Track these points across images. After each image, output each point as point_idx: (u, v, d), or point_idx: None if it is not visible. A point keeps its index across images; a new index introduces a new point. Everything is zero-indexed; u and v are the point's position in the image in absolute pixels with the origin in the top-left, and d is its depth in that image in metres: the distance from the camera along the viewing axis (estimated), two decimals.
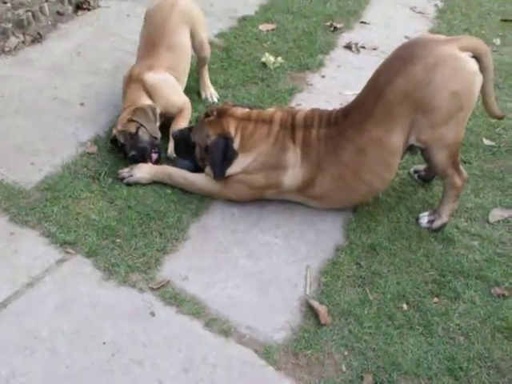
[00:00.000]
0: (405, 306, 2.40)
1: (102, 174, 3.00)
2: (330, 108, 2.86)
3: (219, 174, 2.77)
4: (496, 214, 2.91)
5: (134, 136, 3.00)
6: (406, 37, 4.65)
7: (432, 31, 4.81)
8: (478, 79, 2.50)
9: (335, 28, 4.71)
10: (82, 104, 3.57)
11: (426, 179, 3.06)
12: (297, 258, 2.62)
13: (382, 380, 2.12)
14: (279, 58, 4.11)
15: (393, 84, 2.48)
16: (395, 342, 2.26)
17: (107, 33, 4.41)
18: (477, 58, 2.50)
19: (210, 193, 2.87)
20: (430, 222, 2.75)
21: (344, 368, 2.16)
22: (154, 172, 2.95)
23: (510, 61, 4.40)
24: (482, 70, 2.52)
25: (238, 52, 4.21)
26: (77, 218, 2.73)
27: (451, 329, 2.32)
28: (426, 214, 2.78)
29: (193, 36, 3.45)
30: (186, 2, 3.44)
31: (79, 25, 4.51)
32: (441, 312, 2.38)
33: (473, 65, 2.47)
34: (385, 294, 2.44)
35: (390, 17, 5.05)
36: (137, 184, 2.95)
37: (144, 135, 3.02)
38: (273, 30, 4.59)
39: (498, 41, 4.71)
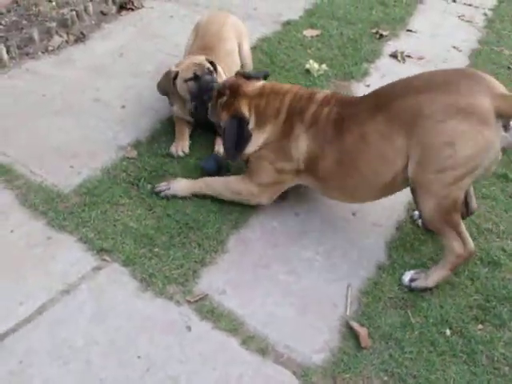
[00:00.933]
0: (448, 332, 2.31)
1: (142, 181, 2.97)
2: None
3: (232, 156, 2.77)
4: None
5: (212, 73, 3.13)
6: (454, 47, 4.56)
7: (480, 41, 4.68)
8: (492, 153, 2.22)
9: (381, 35, 4.62)
10: (124, 107, 3.55)
11: (428, 228, 2.70)
12: (338, 276, 2.55)
13: None
14: (323, 66, 4.04)
15: (419, 96, 2.31)
16: (437, 369, 2.18)
17: (150, 34, 4.39)
18: None
19: (245, 190, 2.80)
20: (412, 280, 2.48)
21: None
22: (192, 185, 2.90)
23: None
24: None
25: (282, 58, 4.15)
26: (114, 225, 2.71)
27: (496, 358, 2.23)
28: (412, 271, 2.52)
29: (239, 47, 3.68)
30: (235, 18, 3.82)
31: (122, 25, 4.50)
32: (485, 340, 2.29)
33: (493, 135, 2.19)
34: (427, 317, 2.36)
35: (437, 25, 4.93)
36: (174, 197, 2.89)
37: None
38: (317, 36, 4.52)
39: None
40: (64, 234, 2.67)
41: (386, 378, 2.14)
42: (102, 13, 4.52)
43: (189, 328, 2.28)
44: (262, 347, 2.23)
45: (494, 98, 2.20)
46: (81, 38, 4.21)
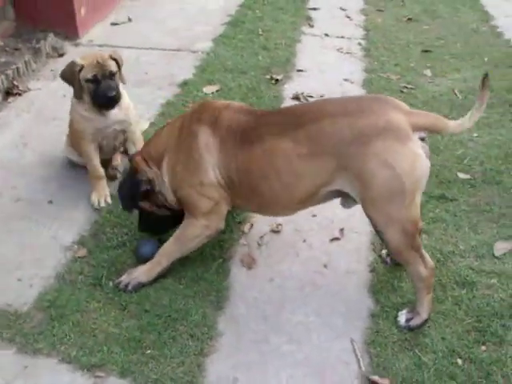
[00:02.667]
0: (459, 361, 2.40)
1: (103, 279, 2.79)
2: None
3: (127, 208, 2.86)
4: (500, 248, 3.01)
5: (113, 76, 3.09)
6: (345, 79, 4.82)
7: (366, 70, 4.98)
8: (423, 163, 2.32)
9: (276, 80, 4.75)
10: (51, 201, 3.33)
11: (398, 263, 2.77)
12: (337, 333, 2.55)
13: None
14: None
15: (335, 120, 2.36)
16: None
17: (48, 117, 4.18)
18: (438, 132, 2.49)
19: (197, 229, 2.71)
20: (408, 320, 2.53)
21: None
22: (151, 265, 2.77)
23: (447, 90, 4.62)
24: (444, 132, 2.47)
25: None
26: (94, 335, 2.51)
27: (510, 375, 2.33)
28: (405, 311, 2.57)
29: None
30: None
31: (15, 112, 4.24)
32: (493, 360, 2.41)
33: (417, 147, 2.31)
34: (436, 352, 2.43)
35: (322, 61, 5.18)
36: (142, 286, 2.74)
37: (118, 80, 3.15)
38: (217, 91, 4.55)
39: (428, 72, 4.94)
40: (41, 358, 2.44)
41: None
42: None
43: None
44: None
45: (406, 115, 2.36)
46: None
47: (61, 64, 4.81)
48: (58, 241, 3.04)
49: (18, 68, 4.60)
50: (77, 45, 5.33)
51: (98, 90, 3.06)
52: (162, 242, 2.82)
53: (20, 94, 4.45)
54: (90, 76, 3.05)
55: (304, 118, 2.46)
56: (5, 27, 5.22)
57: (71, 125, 3.34)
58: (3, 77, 4.44)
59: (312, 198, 2.54)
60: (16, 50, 4.99)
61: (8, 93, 4.40)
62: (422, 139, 2.37)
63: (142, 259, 2.80)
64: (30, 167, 3.62)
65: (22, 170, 3.60)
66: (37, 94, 4.49)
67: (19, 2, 5.22)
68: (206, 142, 2.57)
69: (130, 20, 5.93)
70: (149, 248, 2.81)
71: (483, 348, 2.46)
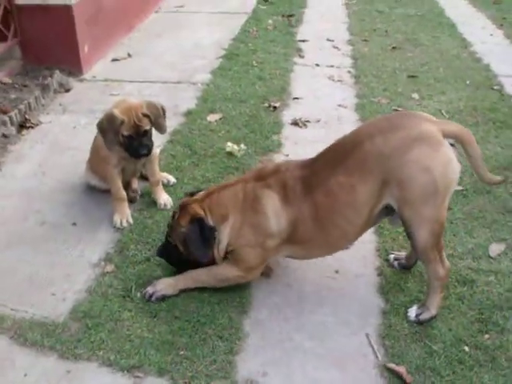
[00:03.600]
0: (466, 348, 2.64)
1: (132, 291, 2.99)
2: None
3: (204, 257, 2.87)
4: (494, 249, 3.28)
5: (147, 133, 3.29)
6: (339, 105, 5.11)
7: (358, 95, 5.31)
8: (455, 166, 2.56)
9: (274, 107, 5.04)
10: (75, 224, 3.54)
11: (406, 267, 3.10)
12: (353, 329, 2.78)
13: None
14: (242, 145, 4.33)
15: (373, 140, 2.59)
16: (475, 381, 2.48)
17: (62, 147, 4.41)
18: (462, 145, 2.67)
19: (234, 276, 2.92)
20: (418, 315, 2.76)
21: None
22: (177, 281, 2.98)
23: (434, 111, 4.94)
24: (468, 158, 2.69)
25: (201, 146, 4.38)
26: (130, 340, 2.71)
27: None
28: (415, 307, 2.80)
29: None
30: None
31: (29, 144, 4.46)
32: (497, 346, 2.65)
33: (449, 150, 2.56)
34: (444, 342, 2.67)
35: (315, 89, 5.48)
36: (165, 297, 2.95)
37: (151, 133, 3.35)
38: (220, 119, 4.82)
39: (416, 95, 5.27)
40: (82, 363, 2.62)
41: None
42: (4, 135, 4.45)
43: None
44: None
45: (435, 124, 2.63)
46: None
47: (68, 98, 5.12)
48: (86, 258, 3.25)
49: (29, 103, 4.85)
50: (81, 80, 5.60)
51: (132, 146, 3.30)
52: None
53: (33, 127, 4.69)
54: (126, 134, 3.26)
55: (347, 148, 2.70)
56: (12, 66, 5.49)
57: (96, 151, 3.57)
58: (16, 111, 4.68)
59: (368, 223, 2.77)
60: (24, 86, 5.26)
61: (21, 126, 4.63)
62: (452, 145, 2.63)
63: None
64: (52, 193, 3.84)
65: (44, 196, 3.81)
66: (48, 126, 4.73)
67: (25, 42, 5.48)
68: (271, 203, 2.78)
69: (129, 56, 6.23)
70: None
71: (487, 336, 2.70)
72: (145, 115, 3.27)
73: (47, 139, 4.54)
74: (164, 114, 3.40)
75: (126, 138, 3.26)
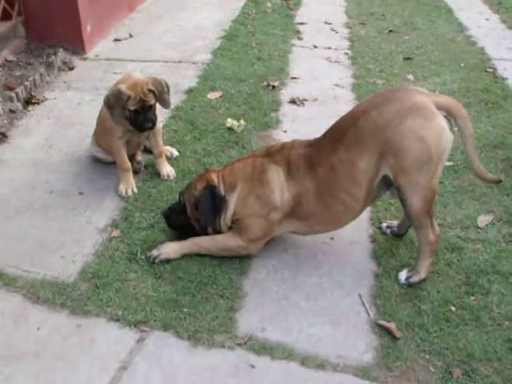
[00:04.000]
0: (453, 308, 2.81)
1: (137, 254, 3.15)
2: None
3: (211, 222, 3.05)
4: (482, 220, 3.44)
5: (151, 108, 3.41)
6: (336, 85, 5.25)
7: (354, 76, 5.44)
8: (448, 136, 2.69)
9: (273, 86, 5.18)
10: (81, 193, 3.69)
11: (398, 234, 3.26)
12: (346, 290, 2.95)
13: (466, 370, 2.49)
14: (242, 121, 4.48)
15: (368, 115, 2.73)
16: (460, 338, 2.65)
17: (67, 122, 4.54)
18: (453, 118, 2.75)
19: (237, 246, 3.07)
20: (408, 278, 2.91)
21: (432, 368, 2.52)
22: (181, 246, 3.13)
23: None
24: (460, 131, 2.78)
25: (202, 121, 4.52)
26: (136, 298, 2.87)
27: (495, 317, 2.76)
28: (405, 271, 2.95)
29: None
30: None
31: (35, 119, 4.60)
32: (482, 306, 2.82)
33: (442, 120, 2.68)
34: (432, 302, 2.84)
35: (313, 69, 5.62)
36: (168, 261, 3.10)
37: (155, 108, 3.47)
38: (221, 96, 4.96)
39: (411, 76, 5.42)
40: (92, 318, 2.78)
41: (427, 356, 2.57)
42: (11, 111, 4.58)
43: (252, 366, 2.53)
44: (319, 363, 2.55)
45: (428, 96, 2.79)
46: (2, 139, 4.24)
47: (72, 76, 5.25)
48: (93, 225, 3.41)
49: (34, 80, 4.98)
50: (84, 59, 5.73)
51: (138, 120, 3.44)
52: None
53: (38, 103, 4.82)
54: (132, 108, 3.39)
55: (345, 125, 2.87)
56: (16, 44, 5.62)
57: (102, 123, 3.71)
58: (22, 88, 4.81)
59: (369, 196, 2.92)
60: (29, 64, 5.39)
61: (27, 102, 4.76)
62: (445, 117, 2.76)
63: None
64: (59, 164, 3.99)
65: (52, 167, 3.96)
66: (54, 102, 4.86)
67: (29, 20, 5.60)
68: (276, 177, 2.96)
69: (131, 36, 6.35)
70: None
71: (472, 298, 2.88)
72: (150, 91, 3.41)
73: (53, 114, 4.67)
74: (168, 90, 3.55)
75: (132, 113, 3.40)
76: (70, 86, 5.15)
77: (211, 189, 3.02)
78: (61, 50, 5.55)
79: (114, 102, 3.35)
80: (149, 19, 6.91)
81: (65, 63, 5.52)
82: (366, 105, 2.87)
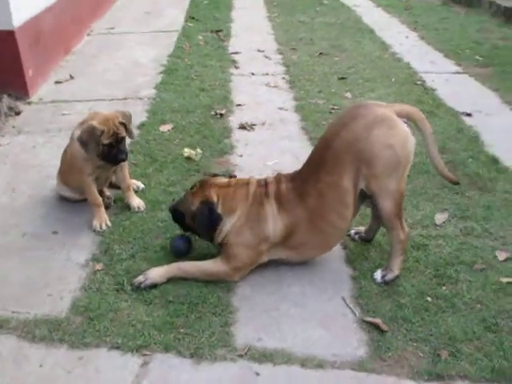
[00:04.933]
0: (429, 299, 3.07)
1: (124, 284, 3.24)
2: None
3: (206, 236, 3.22)
4: (439, 218, 3.76)
5: (123, 140, 3.54)
6: (280, 108, 5.52)
7: (295, 98, 5.75)
8: (411, 140, 2.96)
9: (221, 114, 5.39)
10: (55, 232, 3.73)
11: (366, 239, 3.50)
12: (330, 295, 3.16)
13: (452, 351, 2.74)
14: (198, 150, 4.65)
15: (339, 136, 2.97)
16: (440, 324, 2.90)
17: (26, 166, 4.56)
18: (414, 123, 3.05)
19: (221, 272, 3.20)
20: (383, 276, 3.14)
21: (421, 354, 2.75)
22: (166, 270, 3.23)
23: None
24: (421, 134, 3.07)
25: (159, 153, 4.66)
26: (132, 325, 2.96)
27: (468, 302, 3.04)
28: (379, 271, 3.18)
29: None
30: None
31: None
32: (454, 294, 3.10)
33: (405, 127, 2.95)
34: (410, 295, 3.10)
35: (255, 95, 5.88)
36: (154, 286, 3.21)
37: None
38: (173, 128, 5.12)
39: (349, 94, 5.79)
40: (92, 349, 2.84)
41: (415, 344, 2.80)
42: None
43: (257, 373, 2.68)
44: (317, 363, 2.72)
45: (388, 107, 3.08)
46: None
47: (20, 121, 5.28)
48: (74, 261, 3.46)
49: None
50: (29, 103, 5.75)
51: (111, 153, 3.55)
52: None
53: None
54: (106, 142, 3.50)
55: (320, 153, 3.10)
56: None
57: (67, 163, 3.79)
58: None
59: (353, 213, 3.15)
60: None
61: None
62: (405, 122, 3.04)
63: (176, 253, 3.35)
64: (25, 208, 4.01)
65: (19, 210, 3.97)
66: (7, 148, 4.86)
67: None
68: (271, 211, 3.14)
69: (71, 77, 6.41)
70: (180, 243, 3.38)
71: (444, 288, 3.15)
72: (121, 123, 3.53)
73: (9, 159, 4.67)
74: (130, 121, 3.69)
75: (106, 147, 3.51)
76: (21, 130, 5.16)
77: (209, 205, 3.15)
78: (5, 95, 5.52)
79: (88, 138, 3.45)
80: (85, 60, 6.99)
81: (10, 108, 5.51)
82: (334, 127, 3.12)
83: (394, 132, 2.95)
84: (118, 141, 3.52)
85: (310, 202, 3.10)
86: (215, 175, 3.43)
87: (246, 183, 3.26)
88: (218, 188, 3.23)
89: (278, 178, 3.27)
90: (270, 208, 3.14)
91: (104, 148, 3.50)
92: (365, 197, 3.12)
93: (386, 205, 3.00)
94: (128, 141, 3.78)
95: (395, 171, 2.96)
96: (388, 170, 2.94)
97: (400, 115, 3.03)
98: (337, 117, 3.30)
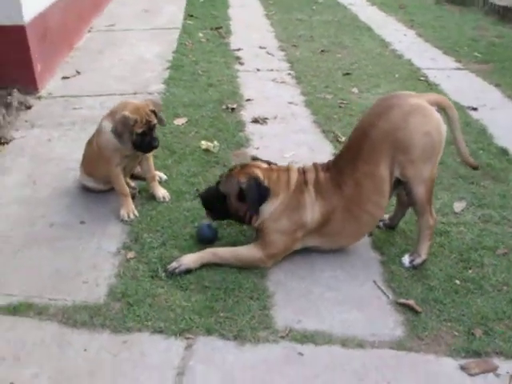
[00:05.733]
0: (457, 282, 3.18)
1: (159, 271, 3.30)
2: None
3: (255, 210, 3.23)
4: (457, 206, 3.88)
5: (155, 127, 3.62)
6: (290, 102, 5.61)
7: (303, 93, 5.85)
8: (444, 127, 3.09)
9: (232, 109, 5.46)
10: (83, 222, 3.77)
11: (391, 226, 3.61)
12: (361, 280, 3.25)
13: (485, 330, 2.86)
14: (215, 142, 4.72)
15: (376, 126, 3.06)
16: (471, 304, 3.02)
17: (43, 158, 4.58)
18: (443, 110, 3.17)
19: (255, 259, 3.27)
20: (411, 261, 3.25)
21: (456, 333, 2.86)
22: (200, 256, 3.30)
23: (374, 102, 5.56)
24: (449, 120, 3.19)
25: (177, 146, 4.72)
26: (172, 310, 3.02)
27: (495, 284, 3.16)
28: (407, 256, 3.29)
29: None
30: None
31: (10, 158, 4.61)
32: (481, 277, 3.21)
33: (438, 114, 3.09)
34: (439, 279, 3.20)
35: (263, 90, 5.96)
36: (188, 271, 3.27)
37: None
38: (187, 122, 5.18)
39: (355, 89, 5.90)
40: (135, 333, 2.90)
41: (449, 324, 2.91)
42: None
43: (300, 353, 2.77)
44: (357, 343, 2.82)
45: (420, 96, 3.20)
46: None
47: (32, 115, 5.30)
48: (105, 250, 3.51)
49: None
50: (39, 98, 5.76)
51: (144, 141, 3.61)
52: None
53: (7, 143, 4.82)
54: (139, 131, 3.56)
55: (357, 143, 3.19)
56: None
57: (92, 155, 3.84)
58: None
59: (388, 201, 3.27)
60: None
61: None
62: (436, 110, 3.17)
63: (204, 241, 3.37)
64: (49, 199, 4.04)
65: (43, 201, 4.01)
66: (23, 141, 4.89)
67: None
68: (309, 199, 3.23)
69: (78, 73, 6.43)
70: (208, 231, 3.41)
71: (470, 271, 3.27)
72: (152, 111, 3.60)
73: (26, 152, 4.70)
74: (161, 108, 3.77)
75: (139, 135, 3.56)
76: (34, 124, 5.18)
77: (256, 180, 3.20)
78: (15, 90, 5.54)
79: (122, 128, 3.50)
80: (90, 56, 7.01)
81: (21, 103, 5.52)
82: (370, 118, 3.21)
83: (429, 119, 3.07)
84: (150, 128, 3.57)
85: (347, 190, 3.19)
86: (255, 159, 3.48)
87: (287, 169, 3.33)
88: (261, 170, 3.29)
89: (315, 166, 3.35)
90: (309, 196, 3.23)
91: (137, 137, 3.56)
92: (397, 184, 3.20)
93: (420, 191, 3.12)
94: None
95: (430, 158, 3.08)
96: (424, 156, 3.06)
97: (432, 103, 3.14)
98: (371, 108, 3.38)
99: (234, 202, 3.30)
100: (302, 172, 3.33)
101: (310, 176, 3.28)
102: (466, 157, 3.39)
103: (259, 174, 3.26)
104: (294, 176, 3.29)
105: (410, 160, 3.07)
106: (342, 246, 3.41)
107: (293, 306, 3.05)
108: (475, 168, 3.56)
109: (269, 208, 3.25)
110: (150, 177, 3.98)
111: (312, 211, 3.22)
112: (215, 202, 3.38)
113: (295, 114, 5.38)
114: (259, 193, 3.20)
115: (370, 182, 3.15)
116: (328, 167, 3.32)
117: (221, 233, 3.57)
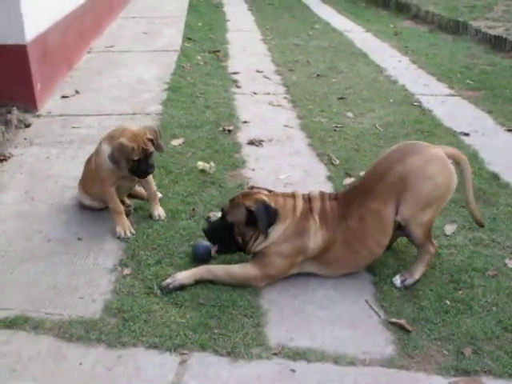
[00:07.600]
0: (448, 302, 3.24)
1: (154, 288, 3.34)
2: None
3: (265, 231, 3.27)
4: (449, 229, 3.95)
5: (151, 154, 3.66)
6: (285, 125, 5.71)
7: (299, 117, 5.96)
8: (455, 179, 3.24)
9: (229, 131, 5.56)
10: (80, 239, 3.83)
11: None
12: (353, 298, 3.31)
13: (474, 349, 2.91)
14: (212, 163, 4.79)
15: (393, 170, 3.19)
16: (460, 324, 3.07)
17: (42, 176, 4.65)
18: (457, 164, 3.32)
19: (250, 277, 3.32)
20: (403, 281, 3.30)
21: (446, 351, 2.90)
22: (193, 272, 3.35)
23: (369, 126, 5.68)
24: (461, 174, 3.32)
25: (174, 166, 4.79)
26: (167, 326, 3.06)
27: (484, 305, 3.21)
28: (398, 276, 3.34)
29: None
30: None
31: (8, 175, 4.66)
32: (470, 297, 3.27)
33: (453, 168, 3.25)
34: (429, 299, 3.26)
35: (259, 113, 6.07)
36: (182, 287, 3.33)
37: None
38: (183, 143, 5.26)
39: (350, 114, 6.01)
40: (130, 348, 2.93)
41: (438, 342, 2.96)
42: None
43: (293, 370, 2.81)
44: (349, 360, 2.86)
45: (438, 147, 3.36)
46: None
47: (31, 133, 5.40)
48: (101, 266, 3.56)
49: None
50: (38, 116, 5.85)
51: (140, 168, 3.69)
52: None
53: (6, 160, 4.89)
54: (136, 158, 3.64)
55: (370, 183, 3.31)
56: None
57: (89, 174, 3.91)
58: None
59: (389, 240, 3.39)
60: None
61: None
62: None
63: (199, 259, 3.43)
64: (47, 215, 4.10)
65: (40, 217, 4.06)
66: (21, 158, 4.95)
67: None
68: (314, 227, 3.29)
69: (77, 92, 6.53)
70: (203, 250, 3.46)
71: (460, 292, 3.33)
72: (149, 139, 3.68)
73: (24, 169, 4.76)
74: (160, 135, 3.83)
75: (136, 162, 3.64)
76: (33, 142, 5.25)
77: (264, 203, 3.26)
78: (15, 108, 5.62)
79: (119, 155, 3.58)
80: (89, 76, 7.12)
81: (20, 121, 5.60)
82: (387, 162, 3.31)
83: (445, 171, 3.23)
84: (146, 156, 3.64)
85: (352, 224, 3.29)
86: (253, 187, 3.55)
87: (293, 196, 3.40)
88: (265, 196, 3.36)
89: (322, 195, 3.43)
90: (314, 223, 3.30)
91: (134, 163, 3.63)
92: (398, 228, 3.34)
93: (417, 234, 3.28)
94: None
95: (432, 206, 3.23)
96: (427, 204, 3.21)
97: (449, 156, 3.30)
98: (389, 152, 3.46)
99: (242, 228, 3.33)
100: (308, 199, 3.40)
101: (316, 204, 3.36)
102: (473, 210, 3.52)
103: (265, 198, 3.32)
104: (300, 202, 3.37)
105: (413, 204, 3.19)
106: (337, 274, 3.46)
107: (286, 323, 3.10)
108: (480, 225, 3.68)
109: (276, 232, 3.30)
110: (151, 196, 4.05)
111: (315, 238, 3.29)
112: (221, 233, 3.42)
113: (291, 137, 5.47)
114: (268, 214, 3.25)
115: (376, 220, 3.25)
116: (336, 197, 3.41)
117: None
